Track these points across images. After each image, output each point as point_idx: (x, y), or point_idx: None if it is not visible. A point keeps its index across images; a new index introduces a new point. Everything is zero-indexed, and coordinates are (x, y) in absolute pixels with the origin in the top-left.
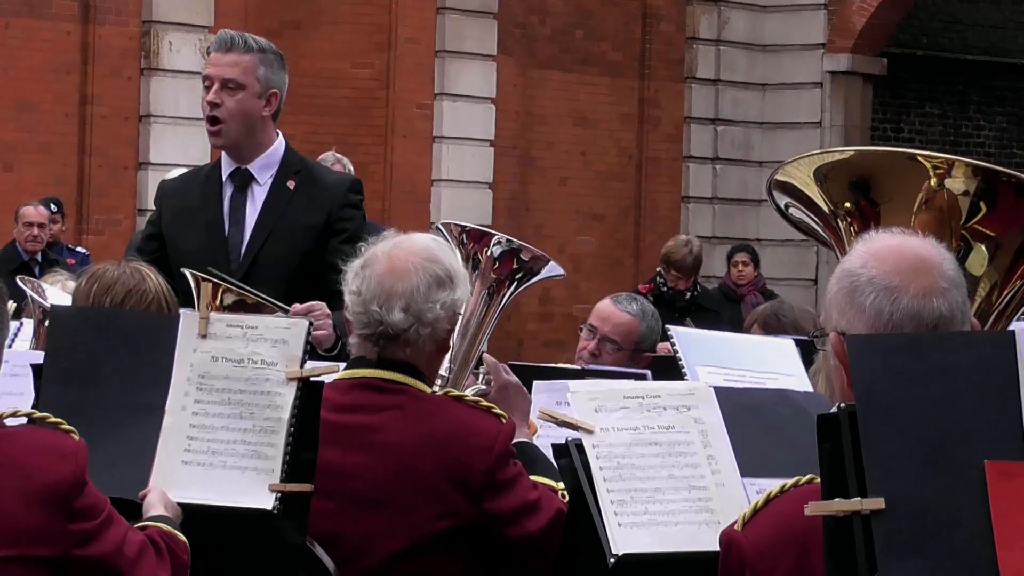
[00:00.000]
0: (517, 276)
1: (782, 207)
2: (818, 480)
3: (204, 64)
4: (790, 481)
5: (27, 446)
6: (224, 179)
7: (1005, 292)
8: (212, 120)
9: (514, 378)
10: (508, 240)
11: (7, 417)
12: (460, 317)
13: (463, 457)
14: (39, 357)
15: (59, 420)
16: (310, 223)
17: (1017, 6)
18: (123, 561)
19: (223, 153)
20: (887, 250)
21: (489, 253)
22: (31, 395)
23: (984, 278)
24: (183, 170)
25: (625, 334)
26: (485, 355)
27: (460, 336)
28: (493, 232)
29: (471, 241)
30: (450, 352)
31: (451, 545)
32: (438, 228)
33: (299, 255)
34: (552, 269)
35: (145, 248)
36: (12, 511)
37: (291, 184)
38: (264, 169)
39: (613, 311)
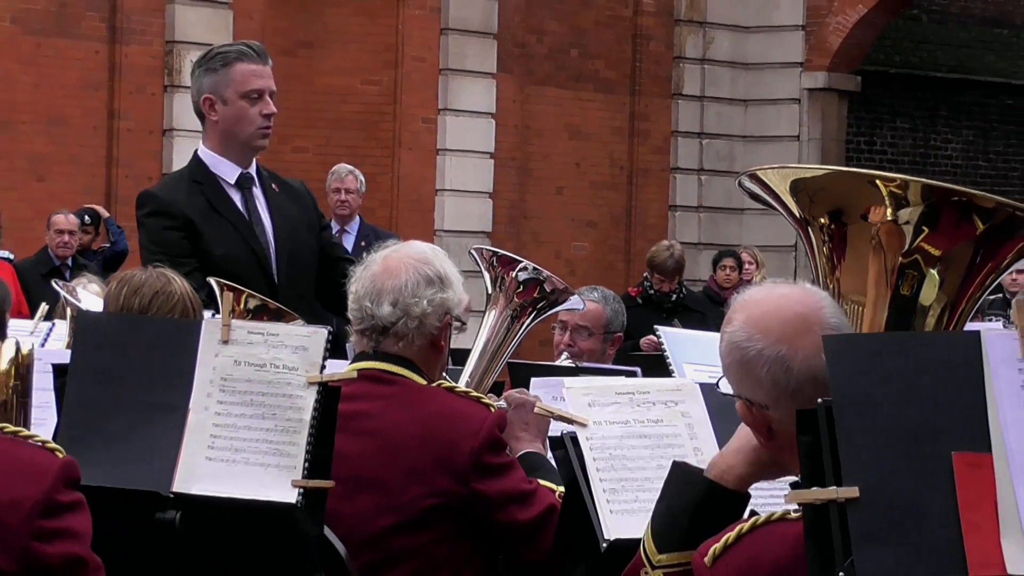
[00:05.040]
0: (539, 305)
1: (749, 188)
2: (792, 515)
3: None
4: (763, 516)
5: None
6: (230, 183)
7: (959, 310)
8: (268, 128)
9: (532, 397)
10: (535, 268)
11: None
12: (456, 321)
13: (450, 440)
14: (62, 357)
15: (45, 439)
16: (308, 219)
17: (983, 27)
18: None
19: (214, 159)
20: (765, 317)
21: (515, 277)
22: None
23: (933, 304)
24: None
25: (594, 320)
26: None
27: (479, 357)
28: (521, 259)
29: (500, 265)
30: (468, 370)
31: (442, 524)
32: (471, 253)
33: (314, 248)
34: (572, 303)
35: (185, 249)
36: None
37: (275, 187)
38: (253, 172)
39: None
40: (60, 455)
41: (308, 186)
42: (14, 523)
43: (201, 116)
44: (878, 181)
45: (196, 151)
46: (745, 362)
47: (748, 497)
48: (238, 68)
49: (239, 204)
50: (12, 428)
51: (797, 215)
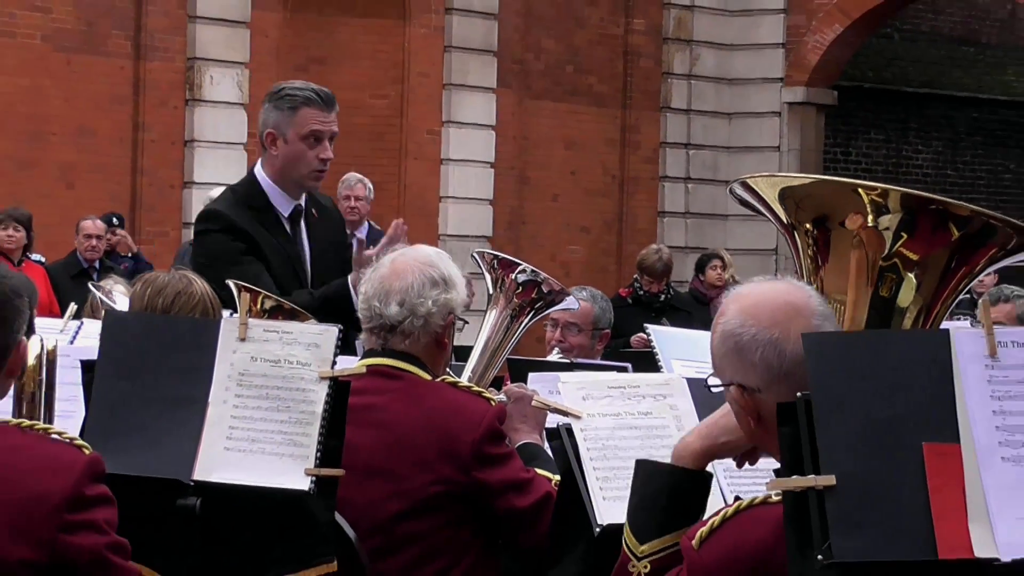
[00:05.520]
0: (536, 305)
1: (739, 195)
2: (774, 499)
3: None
4: (745, 500)
5: (21, 457)
6: (284, 216)
7: (933, 313)
8: (322, 171)
9: (530, 391)
10: (533, 270)
11: (26, 427)
12: (458, 320)
13: (453, 431)
14: (90, 353)
15: (72, 436)
16: (336, 241)
17: (951, 45)
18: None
19: (272, 189)
20: (758, 306)
21: (514, 279)
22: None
23: (910, 307)
24: (222, 188)
25: (583, 317)
26: (506, 387)
27: (481, 353)
28: (520, 262)
29: (500, 267)
30: (470, 366)
31: (446, 510)
32: (473, 256)
33: (336, 270)
34: (568, 303)
35: (247, 259)
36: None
37: (314, 211)
38: (303, 203)
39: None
40: (87, 451)
41: (321, 193)
42: (41, 516)
43: (264, 145)
44: (860, 189)
45: (254, 172)
46: (740, 347)
47: (709, 476)
48: (303, 112)
49: (289, 234)
50: (42, 425)
51: (784, 220)
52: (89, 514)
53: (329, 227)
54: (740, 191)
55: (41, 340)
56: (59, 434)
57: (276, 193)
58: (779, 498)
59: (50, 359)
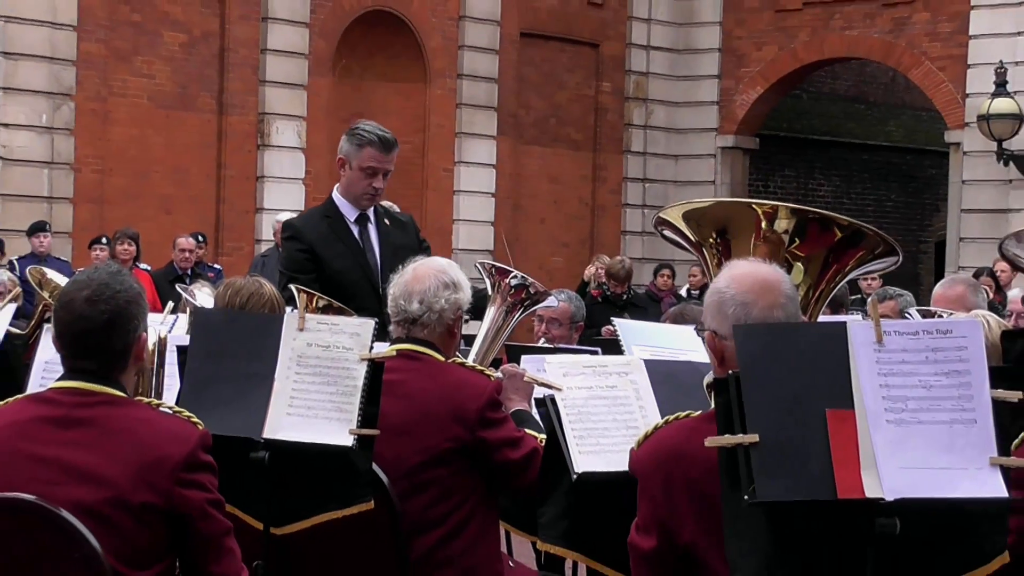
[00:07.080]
0: (525, 302)
1: (664, 233)
2: (695, 414)
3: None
4: (672, 416)
5: (151, 427)
6: (350, 220)
7: (818, 291)
8: (373, 196)
9: (521, 369)
10: (523, 276)
11: (155, 405)
12: (466, 316)
13: (461, 401)
14: (183, 340)
15: (190, 414)
16: (410, 245)
17: (847, 103)
18: (216, 530)
19: (341, 201)
20: (743, 275)
21: (509, 282)
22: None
23: (802, 284)
24: (288, 213)
25: (562, 314)
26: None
27: (483, 340)
28: (513, 270)
29: (498, 274)
30: (474, 351)
31: (456, 461)
32: (476, 266)
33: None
34: (549, 301)
35: (307, 268)
36: (128, 474)
37: (387, 222)
38: (371, 213)
39: (551, 302)
40: (200, 427)
41: (399, 212)
42: (164, 472)
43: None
44: (753, 205)
45: (332, 192)
46: (721, 303)
47: None
48: (366, 150)
49: (356, 235)
50: (167, 405)
51: (692, 239)
52: (198, 475)
53: (404, 233)
54: (659, 226)
55: (157, 332)
56: (178, 411)
57: (344, 204)
58: (698, 414)
59: (163, 345)
